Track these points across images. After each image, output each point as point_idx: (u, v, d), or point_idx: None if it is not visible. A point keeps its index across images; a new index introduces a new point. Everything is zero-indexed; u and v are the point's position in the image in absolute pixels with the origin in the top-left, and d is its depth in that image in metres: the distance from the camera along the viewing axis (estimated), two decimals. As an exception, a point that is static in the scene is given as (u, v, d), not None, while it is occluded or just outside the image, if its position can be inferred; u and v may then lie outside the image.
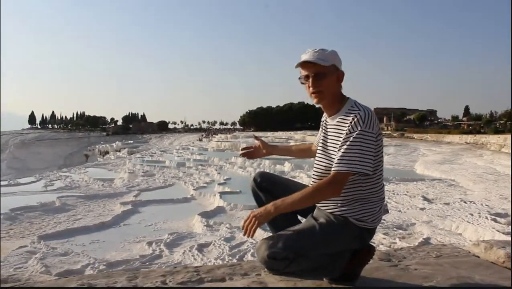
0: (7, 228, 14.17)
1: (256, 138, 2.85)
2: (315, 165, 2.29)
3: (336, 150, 2.13)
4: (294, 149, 2.89)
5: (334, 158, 2.13)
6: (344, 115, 2.15)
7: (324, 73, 2.15)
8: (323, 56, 2.15)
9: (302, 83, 2.24)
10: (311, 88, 2.18)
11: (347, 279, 2.22)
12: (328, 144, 2.24)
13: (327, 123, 2.29)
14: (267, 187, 2.41)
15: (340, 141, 2.11)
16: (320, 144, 2.31)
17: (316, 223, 2.14)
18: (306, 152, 2.80)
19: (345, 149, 2.04)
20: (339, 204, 2.16)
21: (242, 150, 2.82)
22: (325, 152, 2.24)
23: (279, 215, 2.22)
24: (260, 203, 2.41)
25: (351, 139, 2.05)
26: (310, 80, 2.17)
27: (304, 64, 2.18)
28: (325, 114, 2.36)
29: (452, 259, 2.86)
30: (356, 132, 2.04)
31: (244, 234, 2.05)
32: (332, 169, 2.06)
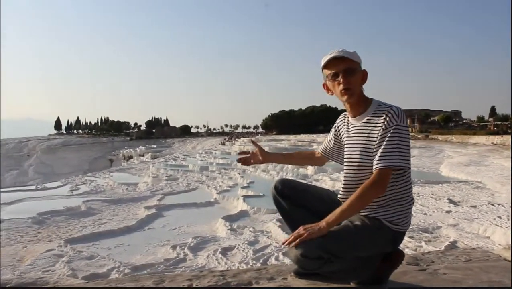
0: (35, 231, 14.43)
1: (254, 143, 2.78)
2: (345, 169, 2.25)
3: (368, 149, 2.11)
4: (295, 156, 2.84)
5: (366, 158, 2.12)
6: (373, 114, 2.14)
7: (354, 69, 2.14)
8: (350, 54, 2.14)
9: (327, 83, 2.22)
10: (341, 85, 2.14)
11: (375, 283, 2.19)
12: (356, 145, 2.20)
13: (351, 124, 2.26)
14: (289, 194, 2.37)
15: (373, 139, 2.10)
16: (347, 147, 2.27)
17: (351, 224, 2.11)
18: (308, 160, 2.78)
19: (385, 145, 2.03)
20: (374, 206, 2.13)
21: (239, 154, 2.77)
22: (354, 153, 2.20)
23: (299, 216, 2.22)
24: (282, 211, 2.39)
25: (388, 135, 2.04)
26: (340, 76, 2.14)
27: (332, 63, 2.16)
28: (342, 118, 2.36)
29: (482, 263, 2.80)
30: (393, 128, 2.04)
31: (287, 243, 2.02)
32: (374, 167, 2.04)
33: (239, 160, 2.74)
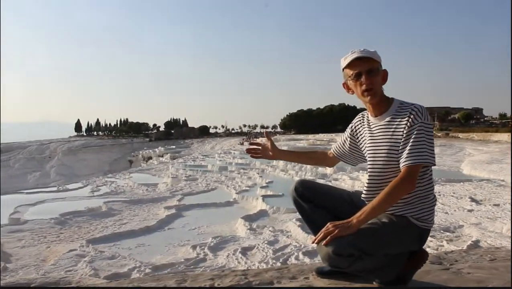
0: (57, 232, 14.65)
1: (267, 135, 2.68)
2: (369, 168, 2.23)
3: (394, 147, 2.10)
4: (306, 156, 2.76)
5: (392, 157, 2.11)
6: (395, 113, 2.13)
7: (376, 69, 2.14)
8: (372, 53, 2.14)
9: (349, 82, 2.21)
10: (364, 85, 2.13)
11: (400, 282, 2.17)
12: (381, 144, 2.18)
13: (372, 123, 2.24)
14: (309, 195, 2.35)
15: (398, 138, 2.09)
16: (370, 147, 2.25)
17: (379, 222, 2.10)
18: (318, 160, 2.71)
19: (412, 142, 2.03)
20: (400, 204, 2.12)
21: (250, 144, 2.69)
22: (379, 152, 2.18)
23: (319, 217, 2.21)
24: (303, 212, 2.36)
25: (414, 132, 2.03)
26: (363, 76, 2.13)
27: (354, 62, 2.14)
28: (360, 118, 2.35)
29: (507, 262, 2.75)
30: (418, 125, 2.04)
31: (317, 242, 2.00)
32: (403, 164, 2.03)
33: (248, 151, 2.67)
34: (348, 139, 2.43)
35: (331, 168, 24.48)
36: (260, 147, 2.64)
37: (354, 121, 2.40)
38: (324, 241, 1.97)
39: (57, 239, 13.67)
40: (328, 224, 2.02)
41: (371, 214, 2.03)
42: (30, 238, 13.70)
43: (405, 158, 2.02)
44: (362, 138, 2.31)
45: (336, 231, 1.97)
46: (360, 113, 2.39)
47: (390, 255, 2.11)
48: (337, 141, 2.56)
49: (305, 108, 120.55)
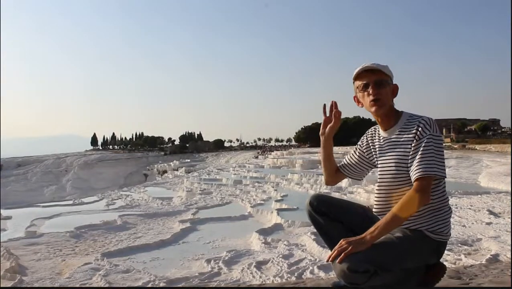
0: (73, 245, 14.72)
1: (335, 105, 2.38)
2: (379, 182, 2.22)
3: (403, 161, 2.10)
4: (333, 160, 2.48)
5: (401, 170, 2.10)
6: (404, 126, 2.14)
7: (384, 81, 2.14)
8: (382, 66, 2.15)
9: (358, 94, 2.21)
10: (371, 96, 2.14)
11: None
12: (390, 158, 2.17)
13: (382, 138, 2.24)
14: (324, 210, 2.32)
15: (407, 150, 2.09)
16: (381, 161, 2.23)
17: (393, 236, 2.08)
18: (332, 170, 2.48)
19: (421, 154, 2.02)
20: (413, 217, 2.10)
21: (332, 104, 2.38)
22: (389, 166, 2.17)
23: (335, 231, 2.19)
24: (318, 227, 2.35)
25: (423, 144, 2.02)
26: (370, 87, 2.13)
27: (363, 74, 2.16)
28: (371, 132, 2.34)
29: (530, 277, 2.68)
30: (427, 137, 2.03)
31: (331, 260, 1.95)
32: (414, 176, 2.01)
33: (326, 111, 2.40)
34: (357, 153, 2.43)
35: (347, 180, 24.48)
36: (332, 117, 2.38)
37: (365, 136, 2.39)
38: (339, 259, 1.93)
39: (72, 252, 13.72)
40: (341, 240, 1.99)
41: (385, 229, 2.00)
42: (46, 251, 13.77)
43: (415, 170, 2.01)
44: (374, 151, 2.31)
45: (350, 248, 1.94)
46: (372, 127, 2.37)
47: (407, 270, 2.08)
48: (345, 158, 2.51)
49: (319, 121, 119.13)
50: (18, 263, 11.86)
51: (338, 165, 2.51)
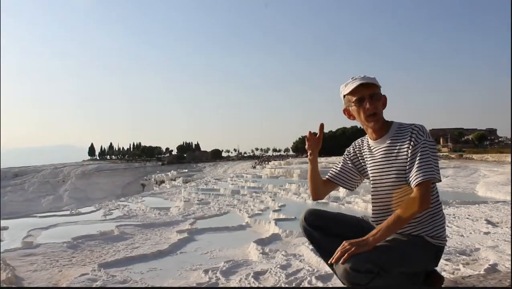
0: (69, 256, 14.63)
1: (322, 128, 2.48)
2: (374, 191, 2.27)
3: (401, 168, 2.14)
4: (319, 177, 2.51)
5: (399, 177, 2.14)
6: (396, 135, 2.19)
7: (379, 94, 2.20)
8: (372, 79, 2.19)
9: (351, 109, 2.27)
10: (368, 110, 2.18)
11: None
12: (386, 166, 2.21)
13: (373, 147, 2.29)
14: (319, 224, 2.37)
15: (403, 157, 2.13)
16: (373, 170, 2.27)
17: (396, 240, 2.13)
18: (319, 185, 2.52)
19: (419, 160, 2.07)
20: (413, 223, 2.15)
21: (309, 134, 2.51)
22: (386, 174, 2.20)
23: (330, 245, 2.18)
24: (313, 241, 2.40)
25: (419, 151, 2.08)
26: (366, 102, 2.16)
27: (357, 89, 2.19)
28: (359, 142, 2.41)
29: (528, 287, 2.68)
30: (422, 143, 2.09)
31: (335, 261, 1.99)
32: (414, 182, 2.06)
33: (308, 140, 2.50)
34: (347, 163, 2.46)
35: (344, 190, 24.45)
36: (316, 138, 2.49)
37: (353, 144, 2.47)
38: (342, 259, 1.95)
39: (69, 263, 13.63)
40: (344, 242, 2.03)
41: (387, 232, 2.05)
42: (43, 261, 13.69)
43: (415, 176, 2.06)
44: (362, 161, 2.38)
45: (352, 248, 1.98)
46: (359, 139, 2.44)
47: (407, 274, 2.11)
48: (332, 169, 2.55)
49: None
50: (15, 274, 11.77)
51: (325, 177, 2.53)
